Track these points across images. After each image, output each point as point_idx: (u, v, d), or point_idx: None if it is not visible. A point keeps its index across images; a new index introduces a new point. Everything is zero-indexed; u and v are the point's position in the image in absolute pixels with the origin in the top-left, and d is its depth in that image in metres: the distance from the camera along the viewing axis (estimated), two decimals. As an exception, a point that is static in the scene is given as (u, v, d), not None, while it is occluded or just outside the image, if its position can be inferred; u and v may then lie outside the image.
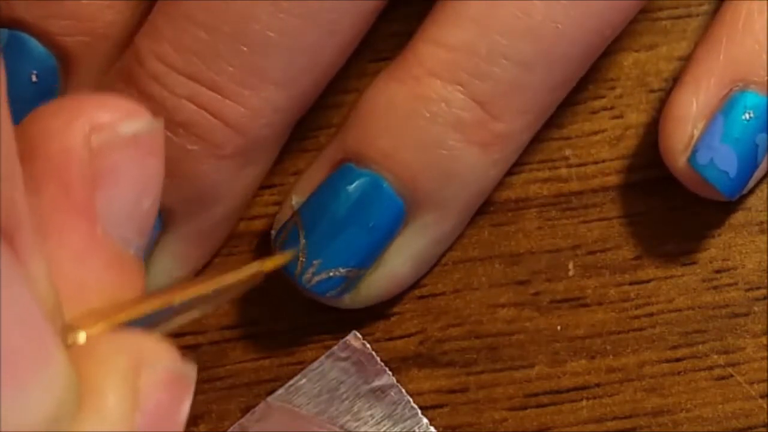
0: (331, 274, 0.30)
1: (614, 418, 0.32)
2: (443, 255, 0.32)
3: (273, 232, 0.31)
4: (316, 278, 0.30)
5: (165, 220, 0.31)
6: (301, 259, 0.30)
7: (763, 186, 0.33)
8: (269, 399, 0.31)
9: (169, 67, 0.30)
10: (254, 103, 0.30)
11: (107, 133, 0.22)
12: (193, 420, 0.32)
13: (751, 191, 0.33)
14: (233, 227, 0.33)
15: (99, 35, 0.31)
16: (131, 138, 0.22)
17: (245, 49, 0.29)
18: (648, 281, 0.32)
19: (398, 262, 0.31)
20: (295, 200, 0.31)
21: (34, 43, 0.31)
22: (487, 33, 0.30)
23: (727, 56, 0.31)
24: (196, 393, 0.32)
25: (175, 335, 0.32)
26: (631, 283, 0.32)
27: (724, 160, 0.30)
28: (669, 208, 0.33)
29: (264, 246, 0.33)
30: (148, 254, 0.31)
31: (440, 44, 0.30)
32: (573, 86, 0.32)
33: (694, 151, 0.30)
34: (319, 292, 0.30)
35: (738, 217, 0.33)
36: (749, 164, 0.30)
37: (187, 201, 0.30)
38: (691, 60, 0.31)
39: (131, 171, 0.23)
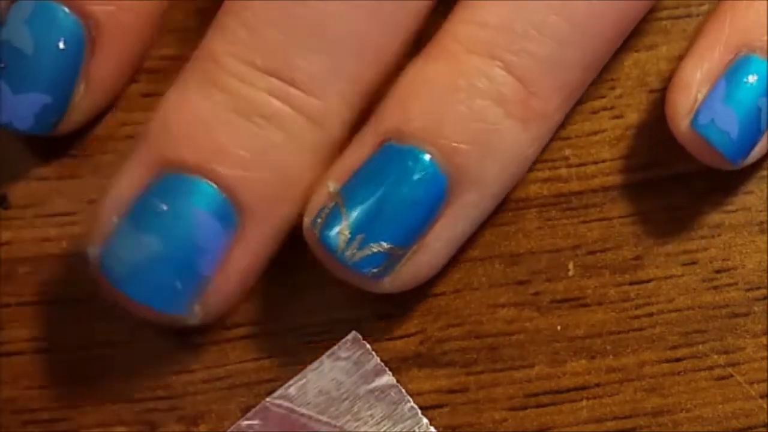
0: (374, 249, 0.30)
1: (614, 418, 0.32)
2: (443, 255, 0.32)
3: (307, 219, 0.30)
4: (359, 254, 0.30)
5: (243, 220, 0.30)
6: (343, 236, 0.30)
7: (763, 186, 0.33)
8: (269, 399, 0.31)
9: (248, 66, 0.30)
10: (332, 100, 0.30)
11: None
12: (193, 420, 0.32)
13: (752, 191, 0.33)
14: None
15: (125, 6, 0.32)
16: None
17: (320, 48, 0.30)
18: (648, 281, 0.32)
19: (438, 246, 0.31)
20: (333, 187, 0.30)
21: (62, 10, 0.31)
22: (521, 11, 0.30)
23: (732, 26, 0.31)
24: (196, 393, 0.32)
25: (175, 335, 0.32)
26: (631, 283, 0.32)
27: (725, 120, 0.30)
28: (669, 208, 0.33)
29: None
30: (217, 271, 0.30)
31: (475, 23, 0.30)
32: (601, 68, 0.32)
33: (696, 113, 0.31)
34: (361, 267, 0.30)
35: (738, 217, 0.33)
36: (752, 127, 0.31)
37: (266, 197, 0.30)
38: (698, 34, 0.32)
39: None
